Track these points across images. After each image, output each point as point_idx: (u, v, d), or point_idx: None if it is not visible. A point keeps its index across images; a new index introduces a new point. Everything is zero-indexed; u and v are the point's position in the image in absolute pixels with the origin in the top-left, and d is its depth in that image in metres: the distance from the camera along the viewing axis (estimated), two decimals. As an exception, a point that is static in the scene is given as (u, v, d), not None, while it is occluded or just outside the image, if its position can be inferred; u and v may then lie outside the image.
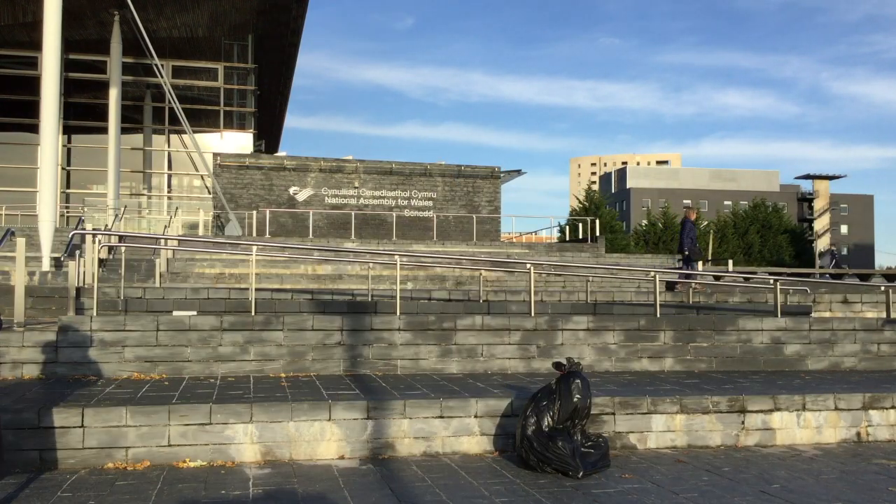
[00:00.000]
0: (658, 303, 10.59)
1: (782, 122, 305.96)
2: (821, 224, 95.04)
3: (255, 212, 32.38)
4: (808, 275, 25.22)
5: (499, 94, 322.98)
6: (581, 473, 5.95)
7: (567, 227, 43.30)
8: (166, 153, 37.48)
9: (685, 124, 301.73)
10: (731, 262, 28.40)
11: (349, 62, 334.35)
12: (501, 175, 38.16)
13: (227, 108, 38.08)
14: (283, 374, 8.67)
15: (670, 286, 16.61)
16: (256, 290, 10.41)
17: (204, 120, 37.14)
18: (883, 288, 13.71)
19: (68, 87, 34.29)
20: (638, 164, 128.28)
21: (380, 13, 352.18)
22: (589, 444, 6.27)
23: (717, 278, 17.68)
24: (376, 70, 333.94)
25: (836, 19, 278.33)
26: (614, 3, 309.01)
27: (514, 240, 40.27)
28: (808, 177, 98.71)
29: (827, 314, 13.92)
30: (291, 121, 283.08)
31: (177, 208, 30.77)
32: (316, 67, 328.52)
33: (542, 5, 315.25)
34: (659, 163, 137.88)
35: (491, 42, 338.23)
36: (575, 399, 6.27)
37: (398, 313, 9.71)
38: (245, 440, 6.39)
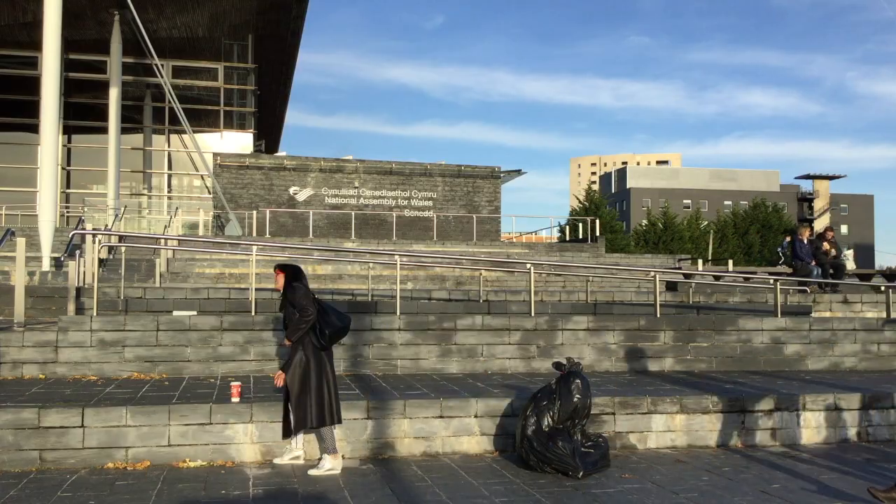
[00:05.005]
0: (658, 303, 10.59)
1: (802, 121, 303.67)
2: (821, 224, 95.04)
3: (255, 212, 32.34)
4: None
5: (520, 94, 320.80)
6: (581, 473, 5.95)
7: (567, 227, 43.30)
8: (166, 153, 37.43)
9: (706, 124, 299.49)
10: (731, 262, 28.38)
11: (375, 61, 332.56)
12: (501, 175, 38.13)
13: (227, 108, 38.02)
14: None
15: (671, 286, 16.60)
16: (256, 289, 10.40)
17: (204, 120, 37.09)
18: (883, 288, 13.71)
19: (68, 87, 34.24)
20: (638, 164, 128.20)
21: (409, 12, 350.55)
22: (589, 444, 6.27)
23: (716, 278, 17.67)
24: (400, 69, 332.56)
25: (868, 17, 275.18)
26: (648, 1, 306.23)
27: (514, 240, 40.23)
28: (808, 177, 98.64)
29: (827, 314, 13.91)
30: (310, 120, 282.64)
31: (177, 208, 30.73)
32: (343, 67, 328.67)
33: (576, 3, 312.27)
34: (659, 163, 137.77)
35: (519, 40, 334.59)
36: (575, 399, 6.27)
37: (398, 313, 9.71)
38: (245, 440, 6.40)
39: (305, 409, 6.07)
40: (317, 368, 6.17)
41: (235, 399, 6.59)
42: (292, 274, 6.42)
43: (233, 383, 6.76)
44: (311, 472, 6.03)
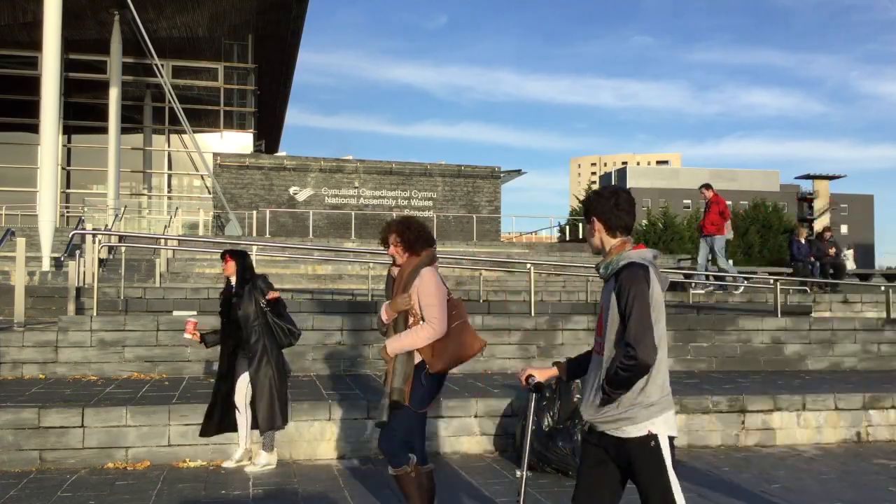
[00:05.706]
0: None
1: (804, 121, 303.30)
2: (821, 224, 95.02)
3: (255, 212, 32.36)
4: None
5: (522, 93, 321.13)
6: (581, 473, 5.94)
7: (567, 227, 43.27)
8: (166, 153, 37.44)
9: (707, 124, 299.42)
10: (730, 261, 28.39)
11: (376, 61, 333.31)
12: (501, 175, 38.13)
13: (227, 108, 38.02)
14: (283, 374, 8.66)
15: (671, 286, 16.60)
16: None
17: (204, 120, 37.08)
18: (883, 288, 13.70)
19: (68, 87, 34.22)
20: (638, 163, 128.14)
21: (411, 12, 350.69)
22: (589, 444, 6.26)
23: (717, 278, 17.66)
24: (402, 69, 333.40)
25: (870, 17, 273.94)
26: (650, 1, 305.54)
27: (514, 240, 40.24)
28: (808, 177, 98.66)
29: (827, 314, 13.90)
30: (310, 120, 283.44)
31: (177, 208, 30.75)
32: (344, 67, 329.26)
33: (578, 2, 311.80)
34: (659, 163, 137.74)
35: (522, 40, 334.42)
36: (575, 399, 6.26)
37: (398, 313, 9.68)
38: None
39: (275, 409, 6.00)
40: (283, 368, 6.18)
41: (188, 336, 6.16)
42: (246, 260, 6.25)
43: (189, 319, 6.31)
44: (248, 468, 6.03)
